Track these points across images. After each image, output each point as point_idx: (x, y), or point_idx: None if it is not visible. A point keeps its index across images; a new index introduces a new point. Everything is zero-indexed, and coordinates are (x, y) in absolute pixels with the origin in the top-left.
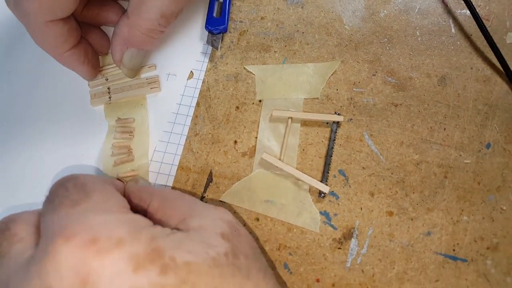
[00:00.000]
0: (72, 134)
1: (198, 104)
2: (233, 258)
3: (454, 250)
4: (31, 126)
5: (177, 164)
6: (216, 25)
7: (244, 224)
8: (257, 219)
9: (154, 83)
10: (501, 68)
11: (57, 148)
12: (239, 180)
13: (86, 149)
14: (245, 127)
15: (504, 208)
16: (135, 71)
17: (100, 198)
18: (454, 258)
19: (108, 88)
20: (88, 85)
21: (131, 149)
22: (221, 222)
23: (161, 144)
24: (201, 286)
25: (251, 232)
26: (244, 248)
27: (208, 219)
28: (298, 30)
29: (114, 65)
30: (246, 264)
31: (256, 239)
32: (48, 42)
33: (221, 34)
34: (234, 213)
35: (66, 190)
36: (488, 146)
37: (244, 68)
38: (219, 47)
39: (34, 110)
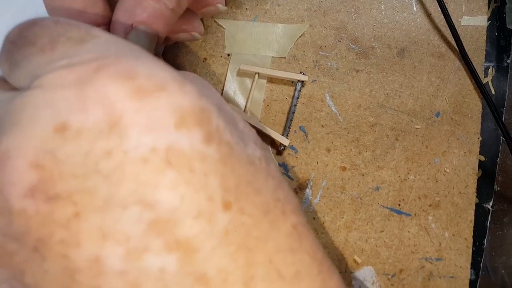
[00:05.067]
0: None
1: (165, 52)
2: (266, 164)
3: (399, 205)
4: None
5: None
6: None
7: None
8: None
9: None
10: (455, 46)
11: None
12: None
13: None
14: (211, 78)
15: (448, 170)
16: None
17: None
18: (399, 212)
19: None
20: None
21: None
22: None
23: None
24: (239, 174)
25: None
26: (272, 164)
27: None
28: None
29: None
30: (278, 176)
31: None
32: None
33: None
34: None
35: (56, 24)
36: (437, 114)
37: (215, 21)
38: None
39: None
